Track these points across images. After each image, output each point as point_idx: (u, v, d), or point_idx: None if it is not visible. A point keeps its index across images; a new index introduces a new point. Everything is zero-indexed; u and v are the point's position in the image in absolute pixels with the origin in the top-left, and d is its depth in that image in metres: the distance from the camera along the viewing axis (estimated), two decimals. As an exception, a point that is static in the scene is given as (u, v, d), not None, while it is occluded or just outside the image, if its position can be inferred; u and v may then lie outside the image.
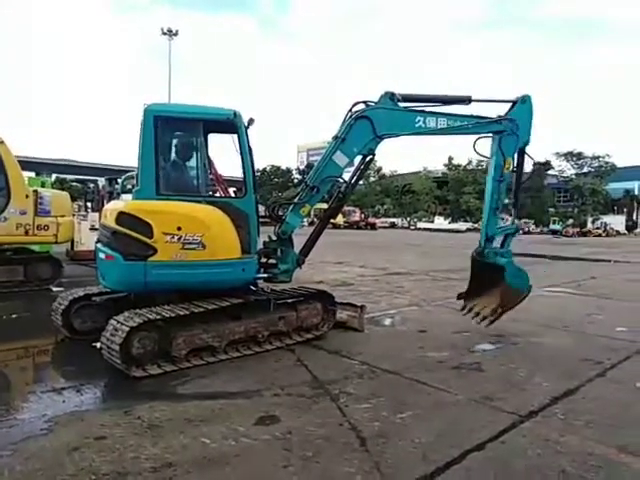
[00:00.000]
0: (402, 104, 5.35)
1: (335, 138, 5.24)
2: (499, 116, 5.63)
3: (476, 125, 5.58)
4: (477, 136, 5.62)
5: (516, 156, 5.78)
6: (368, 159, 5.45)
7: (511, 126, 5.53)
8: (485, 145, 5.81)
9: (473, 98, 5.48)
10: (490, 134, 5.68)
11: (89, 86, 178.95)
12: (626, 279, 12.29)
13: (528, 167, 6.05)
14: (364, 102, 5.28)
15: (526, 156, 5.82)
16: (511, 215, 6.40)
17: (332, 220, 6.01)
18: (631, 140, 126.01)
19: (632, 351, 5.36)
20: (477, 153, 5.79)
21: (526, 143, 5.74)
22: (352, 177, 5.56)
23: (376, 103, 5.25)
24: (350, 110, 5.24)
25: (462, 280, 11.16)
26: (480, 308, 5.95)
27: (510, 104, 5.68)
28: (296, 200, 5.34)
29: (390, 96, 5.24)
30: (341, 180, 5.43)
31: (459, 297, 6.27)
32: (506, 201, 6.03)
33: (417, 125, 5.33)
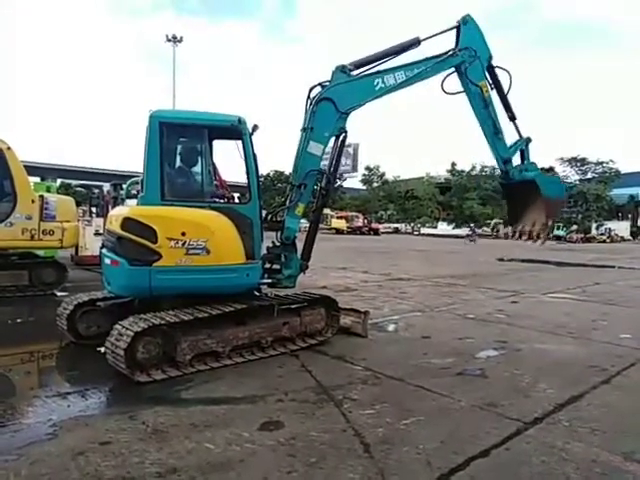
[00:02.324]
0: (356, 72, 5.29)
1: (303, 130, 5.21)
2: (452, 49, 5.50)
3: (434, 66, 5.47)
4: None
5: (487, 75, 5.68)
6: (342, 137, 5.38)
7: (468, 54, 5.44)
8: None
9: (420, 38, 5.38)
10: (452, 69, 5.57)
11: (94, 91, 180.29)
12: (631, 285, 12.24)
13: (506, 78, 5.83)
14: (319, 84, 5.25)
15: (499, 69, 5.70)
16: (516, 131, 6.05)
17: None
18: (635, 146, 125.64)
19: (637, 358, 5.33)
20: (447, 93, 5.64)
21: (490, 58, 5.63)
22: (330, 165, 5.49)
23: (330, 81, 5.22)
24: (308, 96, 5.22)
25: (467, 286, 11.20)
26: (530, 227, 5.80)
27: (455, 33, 5.58)
28: (288, 203, 5.35)
29: (341, 69, 5.20)
30: (323, 174, 5.36)
31: (509, 225, 6.13)
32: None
33: (377, 88, 5.27)
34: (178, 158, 5.22)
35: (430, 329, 6.62)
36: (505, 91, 5.86)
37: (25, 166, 8.38)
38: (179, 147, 5.25)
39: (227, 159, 5.53)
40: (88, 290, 5.78)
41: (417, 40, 5.36)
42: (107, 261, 4.80)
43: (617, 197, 66.63)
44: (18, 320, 6.64)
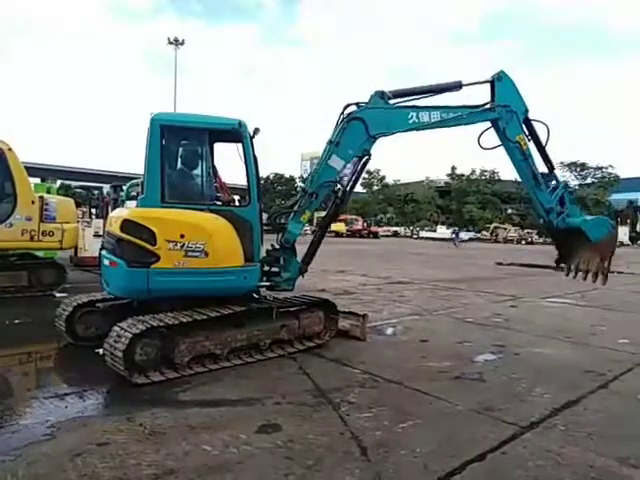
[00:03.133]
0: (393, 101, 5.33)
1: (329, 142, 5.25)
2: (491, 103, 5.52)
3: (470, 115, 5.49)
4: (474, 127, 5.52)
5: (524, 128, 5.66)
6: (364, 160, 5.42)
7: (505, 110, 5.45)
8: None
9: (463, 83, 5.40)
10: (487, 122, 5.59)
11: (96, 93, 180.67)
12: (630, 290, 12.24)
13: (543, 130, 5.79)
14: (356, 104, 5.27)
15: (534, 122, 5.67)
16: (553, 179, 5.98)
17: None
18: (634, 151, 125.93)
19: (635, 363, 5.34)
20: (484, 148, 5.63)
21: (526, 112, 5.63)
22: (350, 180, 5.53)
23: (367, 103, 5.25)
24: (342, 113, 5.25)
25: (465, 290, 11.21)
26: (585, 266, 5.73)
27: (490, 86, 5.56)
28: (295, 208, 5.37)
29: (380, 95, 5.22)
30: (339, 185, 5.42)
31: (557, 263, 6.06)
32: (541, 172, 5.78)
33: (410, 121, 5.30)
34: (179, 161, 5.23)
35: (428, 333, 6.63)
36: (543, 143, 5.83)
37: (26, 167, 8.41)
38: (180, 150, 5.26)
39: (228, 162, 5.57)
40: (87, 291, 5.80)
41: (459, 84, 5.42)
42: (106, 262, 4.82)
43: (616, 202, 66.70)
44: (17, 321, 6.65)
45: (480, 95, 5.65)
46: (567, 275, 5.89)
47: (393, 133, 5.36)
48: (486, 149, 5.73)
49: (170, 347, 4.37)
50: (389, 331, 6.79)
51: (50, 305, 6.68)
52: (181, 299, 4.78)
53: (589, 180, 68.51)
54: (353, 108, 5.26)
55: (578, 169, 68.17)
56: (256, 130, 5.10)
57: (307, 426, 3.44)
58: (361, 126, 5.17)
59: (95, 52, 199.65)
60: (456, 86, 5.44)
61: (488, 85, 5.57)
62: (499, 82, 5.50)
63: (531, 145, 5.74)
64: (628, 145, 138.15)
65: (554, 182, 5.83)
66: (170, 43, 46.14)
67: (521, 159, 5.58)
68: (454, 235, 42.74)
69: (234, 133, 4.96)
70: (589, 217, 5.86)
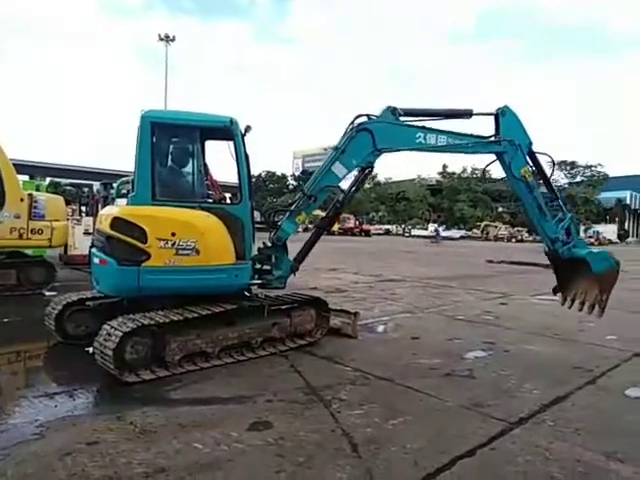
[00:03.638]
0: (403, 118, 5.37)
1: (335, 149, 5.27)
2: (498, 137, 5.59)
3: (476, 145, 5.59)
4: (479, 156, 5.67)
5: (529, 160, 5.72)
6: (367, 171, 5.48)
7: (510, 145, 5.51)
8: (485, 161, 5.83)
9: (474, 112, 5.48)
10: (491, 153, 5.68)
11: (86, 90, 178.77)
12: (618, 287, 12.37)
13: (546, 160, 5.95)
14: (366, 115, 5.29)
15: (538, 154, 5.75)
16: (560, 209, 6.00)
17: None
18: (623, 150, 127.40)
19: (622, 359, 5.42)
20: (485, 179, 5.79)
21: (530, 144, 5.71)
22: (350, 188, 5.57)
23: (378, 117, 5.28)
24: (352, 122, 5.26)
25: (456, 288, 11.28)
26: (582, 298, 5.75)
27: (494, 120, 5.63)
28: (293, 207, 5.37)
29: (392, 110, 5.27)
30: (339, 191, 5.44)
31: (555, 291, 6.07)
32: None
33: (417, 141, 5.35)
34: (169, 158, 5.20)
35: (419, 330, 6.67)
36: (547, 174, 5.94)
37: (14, 164, 8.31)
38: (170, 147, 5.23)
39: (219, 159, 5.55)
40: (77, 290, 5.75)
41: (470, 112, 5.46)
42: (96, 260, 4.78)
43: (605, 200, 67.52)
44: (5, 320, 6.57)
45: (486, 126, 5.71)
46: (563, 305, 5.92)
47: (398, 150, 5.41)
48: (492, 181, 5.86)
49: (161, 345, 4.35)
50: (380, 329, 6.82)
51: (39, 304, 6.62)
52: (172, 297, 4.76)
53: (578, 178, 69.30)
54: (364, 119, 5.27)
55: (568, 167, 68.86)
56: (247, 128, 5.09)
57: (298, 423, 3.45)
58: (369, 138, 5.19)
59: (85, 49, 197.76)
60: (466, 114, 5.50)
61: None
62: (503, 117, 5.57)
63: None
64: (617, 144, 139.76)
65: (560, 213, 5.87)
66: (161, 40, 45.73)
67: (526, 191, 5.64)
68: (435, 232, 42.58)
69: (225, 131, 4.94)
70: (595, 250, 5.88)
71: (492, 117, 5.59)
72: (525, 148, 5.65)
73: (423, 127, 5.42)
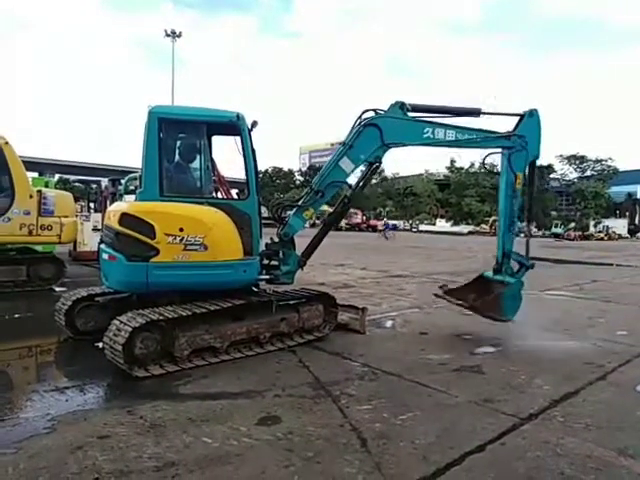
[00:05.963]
0: (411, 114, 5.34)
1: (343, 144, 5.25)
2: (508, 132, 5.57)
3: (485, 139, 5.57)
4: (486, 151, 5.64)
5: (527, 170, 5.74)
6: (374, 167, 5.46)
7: (520, 142, 5.49)
8: (494, 158, 5.81)
9: (483, 110, 5.48)
10: (499, 149, 5.66)
11: (94, 86, 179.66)
12: (628, 282, 12.28)
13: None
14: (374, 110, 5.27)
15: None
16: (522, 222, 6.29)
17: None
18: (634, 143, 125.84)
19: (633, 355, 5.36)
20: (486, 169, 5.82)
21: (536, 157, 5.71)
22: (358, 183, 5.56)
23: (386, 112, 5.26)
24: (359, 117, 5.24)
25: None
26: (471, 301, 5.95)
27: (518, 118, 5.64)
28: (300, 203, 5.36)
29: (400, 105, 5.24)
30: (346, 186, 5.45)
31: (442, 287, 6.30)
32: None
33: (425, 136, 5.34)
34: (177, 154, 5.21)
35: (428, 325, 6.64)
36: (533, 192, 6.02)
37: (23, 161, 8.36)
38: (178, 143, 5.24)
39: (226, 155, 5.55)
40: (86, 285, 5.79)
41: (478, 111, 5.48)
42: (105, 256, 4.81)
43: (615, 195, 66.80)
44: (16, 315, 6.65)
45: (494, 122, 5.70)
46: (440, 289, 6.25)
47: (406, 145, 5.41)
48: (491, 172, 5.90)
49: (170, 340, 4.37)
50: (388, 324, 6.80)
51: (49, 299, 6.68)
52: (180, 293, 4.78)
53: (588, 173, 68.57)
54: (371, 114, 5.26)
55: (577, 162, 68.18)
56: (254, 123, 5.08)
57: (307, 418, 3.46)
58: (376, 133, 5.17)
59: (92, 45, 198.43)
60: (475, 112, 5.51)
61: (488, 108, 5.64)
62: (530, 117, 5.58)
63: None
64: (627, 138, 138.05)
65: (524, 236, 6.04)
66: (167, 35, 45.77)
67: (509, 193, 5.65)
68: (385, 226, 39.52)
69: (232, 126, 4.94)
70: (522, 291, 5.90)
71: (496, 117, 5.60)
72: (531, 157, 5.66)
73: (431, 122, 5.40)
